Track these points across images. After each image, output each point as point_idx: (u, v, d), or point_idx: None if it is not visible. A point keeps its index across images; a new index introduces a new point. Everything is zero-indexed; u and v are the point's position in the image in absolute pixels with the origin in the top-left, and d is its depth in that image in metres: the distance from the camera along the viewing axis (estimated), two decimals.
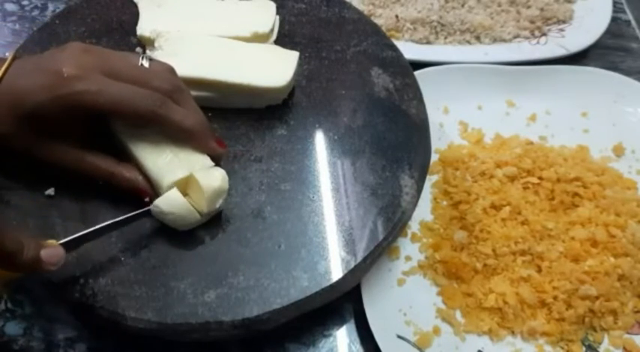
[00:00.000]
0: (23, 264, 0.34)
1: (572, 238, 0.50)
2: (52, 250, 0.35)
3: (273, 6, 0.54)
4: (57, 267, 0.36)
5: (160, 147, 0.42)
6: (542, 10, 0.69)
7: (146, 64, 0.43)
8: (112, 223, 0.40)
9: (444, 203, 0.54)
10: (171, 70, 0.44)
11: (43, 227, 0.42)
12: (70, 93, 0.39)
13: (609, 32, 0.68)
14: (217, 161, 0.44)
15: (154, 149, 0.42)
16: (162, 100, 0.41)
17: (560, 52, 0.65)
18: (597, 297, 0.47)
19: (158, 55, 0.48)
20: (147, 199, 0.42)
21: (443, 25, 0.68)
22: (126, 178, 0.43)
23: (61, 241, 0.37)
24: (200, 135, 0.43)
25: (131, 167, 0.43)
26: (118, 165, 0.43)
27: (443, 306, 0.49)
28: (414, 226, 0.53)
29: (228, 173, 0.45)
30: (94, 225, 0.39)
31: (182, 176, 0.41)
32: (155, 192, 0.42)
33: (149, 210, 0.41)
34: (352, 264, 0.42)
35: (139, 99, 0.41)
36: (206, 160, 0.43)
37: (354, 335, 0.48)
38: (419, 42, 0.68)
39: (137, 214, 0.41)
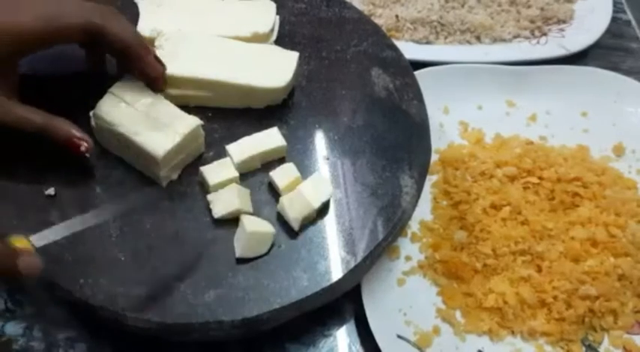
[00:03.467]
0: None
1: (572, 238, 0.50)
2: (28, 260, 0.34)
3: (273, 6, 0.54)
4: (36, 274, 0.34)
5: (144, 122, 0.43)
6: (542, 9, 0.69)
7: None
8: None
9: (444, 203, 0.54)
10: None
11: (43, 226, 0.42)
12: (3, 22, 0.38)
13: (609, 32, 0.68)
14: (157, 86, 0.44)
15: (139, 126, 0.43)
16: (100, 11, 0.41)
17: (560, 52, 0.65)
18: (597, 297, 0.47)
19: (158, 53, 0.48)
20: (83, 148, 0.41)
21: (443, 25, 0.68)
22: (61, 128, 0.41)
23: (32, 237, 0.35)
24: (140, 48, 0.42)
25: (65, 120, 0.42)
26: (52, 117, 0.42)
27: (443, 306, 0.49)
28: (414, 226, 0.53)
29: None
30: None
31: (176, 142, 0.42)
32: (153, 167, 0.43)
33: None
34: (352, 264, 0.42)
35: (75, 12, 0.40)
36: (191, 119, 0.44)
37: (354, 335, 0.48)
38: (419, 42, 0.68)
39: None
